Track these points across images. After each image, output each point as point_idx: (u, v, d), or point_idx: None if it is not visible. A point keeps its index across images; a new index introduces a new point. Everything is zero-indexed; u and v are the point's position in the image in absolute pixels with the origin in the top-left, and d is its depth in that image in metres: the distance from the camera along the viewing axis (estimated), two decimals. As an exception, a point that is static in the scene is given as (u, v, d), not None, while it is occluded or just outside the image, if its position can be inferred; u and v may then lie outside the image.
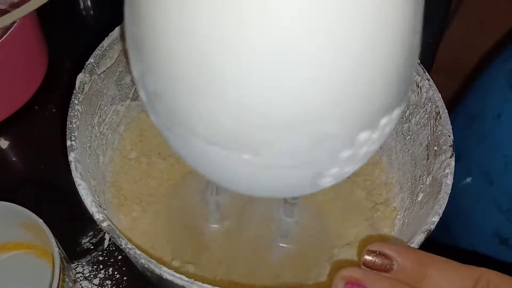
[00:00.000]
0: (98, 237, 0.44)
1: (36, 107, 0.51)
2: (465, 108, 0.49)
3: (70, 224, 0.44)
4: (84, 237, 0.44)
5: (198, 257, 0.36)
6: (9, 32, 0.44)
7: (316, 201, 0.38)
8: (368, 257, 0.26)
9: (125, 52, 0.37)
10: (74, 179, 0.30)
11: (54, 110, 0.51)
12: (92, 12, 0.60)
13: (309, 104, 0.18)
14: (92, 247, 0.43)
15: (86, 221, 0.45)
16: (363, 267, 0.26)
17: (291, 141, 0.19)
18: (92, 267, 0.42)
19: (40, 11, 0.50)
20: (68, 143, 0.31)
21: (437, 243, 0.29)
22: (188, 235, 0.38)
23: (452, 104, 0.49)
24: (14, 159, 0.48)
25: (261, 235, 0.36)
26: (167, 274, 0.27)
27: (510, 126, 0.43)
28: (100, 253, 0.43)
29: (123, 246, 0.28)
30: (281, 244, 0.35)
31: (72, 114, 0.33)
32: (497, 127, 0.44)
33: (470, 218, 0.46)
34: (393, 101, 0.20)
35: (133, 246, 0.27)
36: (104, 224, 0.29)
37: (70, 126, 0.32)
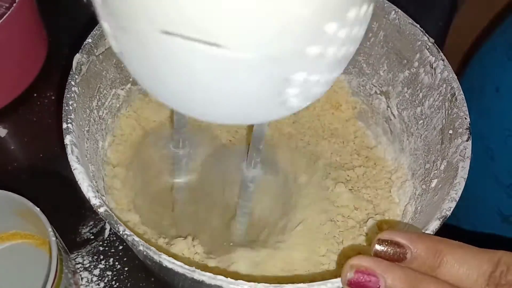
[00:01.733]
0: (98, 227, 0.43)
1: (35, 95, 0.50)
2: (465, 82, 0.48)
3: (70, 214, 0.43)
4: (84, 227, 0.43)
5: (167, 227, 0.36)
6: (5, 17, 0.43)
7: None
8: (379, 247, 0.24)
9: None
10: (70, 163, 0.29)
11: (53, 98, 0.50)
12: (93, -2, 0.58)
13: None
14: (92, 237, 0.42)
15: (86, 210, 0.43)
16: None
17: (257, 24, 0.18)
18: (93, 257, 0.41)
19: (38, -3, 0.49)
20: (64, 125, 0.30)
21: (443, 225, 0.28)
22: (154, 198, 0.37)
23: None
24: (12, 147, 0.47)
25: (227, 197, 0.37)
26: (167, 261, 0.25)
27: (510, 98, 0.41)
28: (100, 243, 0.42)
29: (121, 232, 0.26)
30: (244, 202, 0.35)
31: (68, 96, 0.31)
32: (497, 100, 0.43)
33: (472, 196, 0.45)
34: None
35: (131, 233, 0.26)
36: (101, 210, 0.27)
37: (67, 108, 0.31)
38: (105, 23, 0.21)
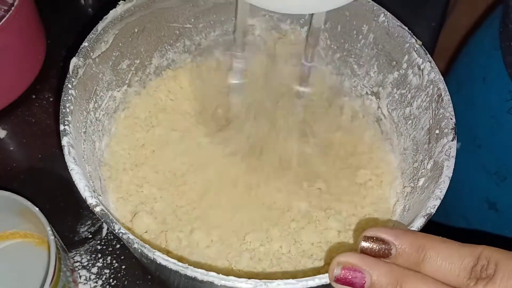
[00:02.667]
0: (96, 226, 0.44)
1: (34, 96, 0.51)
2: (453, 74, 0.49)
3: (68, 213, 0.44)
4: (82, 226, 0.44)
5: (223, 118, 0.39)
6: (4, 19, 0.44)
7: None
8: (365, 244, 0.25)
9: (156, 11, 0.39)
10: (67, 164, 0.30)
11: (51, 99, 0.51)
12: (90, 1, 0.59)
13: None
14: (90, 236, 0.43)
15: (84, 209, 0.44)
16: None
17: None
18: (90, 256, 0.42)
19: (37, 0, 0.50)
20: (61, 127, 0.31)
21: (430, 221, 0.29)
22: (212, 95, 0.41)
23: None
24: (11, 148, 0.48)
25: (283, 84, 0.40)
26: (161, 259, 0.26)
27: (496, 87, 0.43)
28: (98, 242, 0.43)
29: (116, 231, 0.27)
30: (302, 89, 0.39)
31: (65, 98, 0.32)
32: (484, 89, 0.44)
33: (460, 185, 0.46)
34: None
35: (126, 231, 0.27)
36: (97, 209, 0.28)
37: (64, 110, 0.32)
38: None
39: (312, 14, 0.36)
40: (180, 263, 0.26)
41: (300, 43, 0.41)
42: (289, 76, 0.40)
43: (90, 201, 0.28)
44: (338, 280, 0.25)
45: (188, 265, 0.26)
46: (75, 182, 0.29)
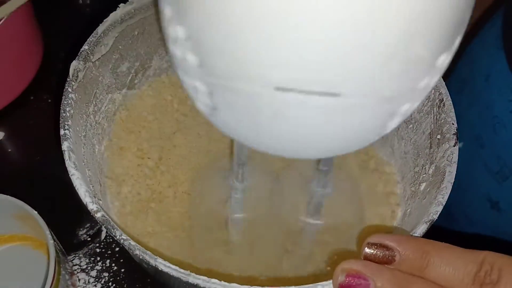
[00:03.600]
0: (95, 229, 0.43)
1: (32, 98, 0.50)
2: (456, 74, 0.49)
3: (67, 216, 0.44)
4: (81, 229, 0.43)
5: (222, 254, 0.35)
6: (2, 20, 0.44)
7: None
8: (368, 250, 0.25)
9: (156, 14, 0.35)
10: (68, 169, 0.29)
11: (49, 101, 0.50)
12: (88, 0, 0.59)
13: (399, 27, 0.17)
14: (89, 239, 0.43)
15: (83, 212, 0.44)
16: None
17: (379, 70, 0.18)
18: (89, 259, 0.42)
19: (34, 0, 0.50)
20: (62, 132, 0.31)
21: (434, 227, 0.29)
22: (210, 229, 0.36)
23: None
24: (9, 150, 0.48)
25: (290, 221, 0.35)
26: (162, 265, 0.26)
27: (499, 86, 0.43)
28: (97, 245, 0.42)
29: (118, 237, 0.27)
30: (313, 221, 0.34)
31: (65, 102, 0.32)
32: (486, 88, 0.44)
33: (463, 184, 0.47)
34: (465, 17, 0.19)
35: (127, 237, 0.27)
36: (98, 215, 0.28)
37: (64, 114, 0.31)
38: (198, 82, 0.20)
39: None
40: (182, 270, 0.26)
41: (309, 169, 0.35)
42: (296, 206, 0.35)
43: (91, 206, 0.28)
44: (342, 287, 0.25)
45: (190, 271, 0.26)
46: (76, 188, 0.29)
